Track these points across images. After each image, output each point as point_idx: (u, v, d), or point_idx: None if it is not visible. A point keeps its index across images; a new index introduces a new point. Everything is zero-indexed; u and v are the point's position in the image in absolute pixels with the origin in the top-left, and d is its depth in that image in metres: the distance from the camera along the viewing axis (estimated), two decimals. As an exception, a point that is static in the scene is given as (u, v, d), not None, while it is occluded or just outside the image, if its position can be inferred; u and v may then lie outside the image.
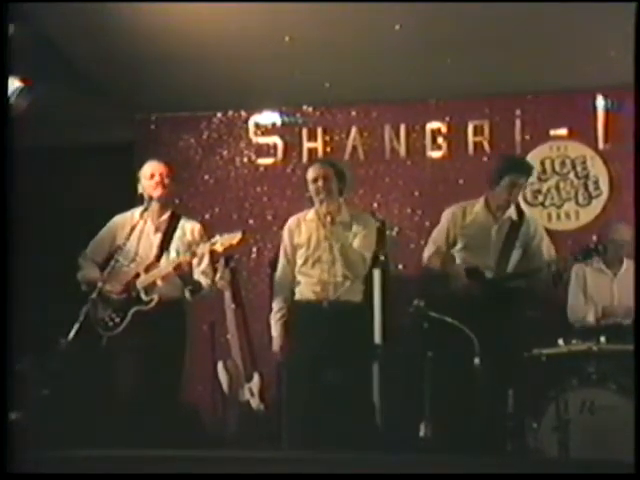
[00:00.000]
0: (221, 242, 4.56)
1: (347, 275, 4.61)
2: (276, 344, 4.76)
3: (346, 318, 4.59)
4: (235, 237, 4.57)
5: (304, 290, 4.70)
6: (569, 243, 5.48)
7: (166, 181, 4.81)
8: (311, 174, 4.71)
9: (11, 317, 3.72)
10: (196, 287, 4.75)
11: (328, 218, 4.60)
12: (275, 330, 4.76)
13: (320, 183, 4.65)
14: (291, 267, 4.73)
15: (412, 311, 4.61)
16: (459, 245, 5.05)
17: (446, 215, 5.17)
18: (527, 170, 5.13)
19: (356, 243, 4.65)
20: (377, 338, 4.84)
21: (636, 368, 3.76)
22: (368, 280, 4.72)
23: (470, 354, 4.42)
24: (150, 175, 4.80)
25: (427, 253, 5.14)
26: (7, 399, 3.50)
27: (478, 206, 5.07)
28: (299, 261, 4.71)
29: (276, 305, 4.77)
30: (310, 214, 4.74)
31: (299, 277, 4.72)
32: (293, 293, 4.74)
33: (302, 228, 4.74)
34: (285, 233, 4.80)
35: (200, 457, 3.88)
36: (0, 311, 3.53)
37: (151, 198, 4.81)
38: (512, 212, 5.05)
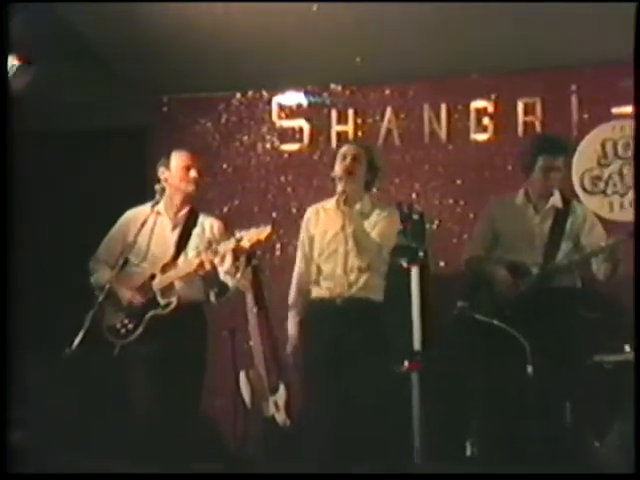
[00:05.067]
0: (248, 238, 4.46)
1: (361, 267, 4.57)
2: (289, 346, 4.73)
3: (362, 317, 4.53)
4: (263, 232, 4.47)
5: (318, 286, 4.66)
6: (635, 236, 5.43)
7: (200, 177, 4.79)
8: (341, 151, 4.70)
9: (13, 319, 3.83)
10: (222, 289, 4.71)
11: (343, 197, 4.57)
12: (290, 330, 4.72)
13: (347, 162, 4.62)
14: (307, 261, 4.72)
15: (455, 313, 4.59)
16: (501, 243, 5.00)
17: (483, 213, 5.16)
18: (562, 149, 5.00)
19: (374, 232, 4.61)
20: (416, 343, 5.02)
21: (636, 368, 3.77)
22: (389, 276, 4.70)
23: (522, 362, 4.38)
24: (185, 167, 4.76)
25: (466, 256, 5.11)
26: (7, 399, 3.59)
27: (517, 198, 5.01)
28: (315, 253, 4.69)
29: (291, 302, 4.74)
30: (330, 202, 4.69)
31: (315, 271, 4.68)
32: (309, 290, 4.71)
33: (320, 218, 4.72)
34: (303, 224, 4.79)
35: (220, 474, 4.07)
36: (1, 310, 3.66)
37: (164, 191, 4.76)
38: (556, 200, 4.96)
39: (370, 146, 4.95)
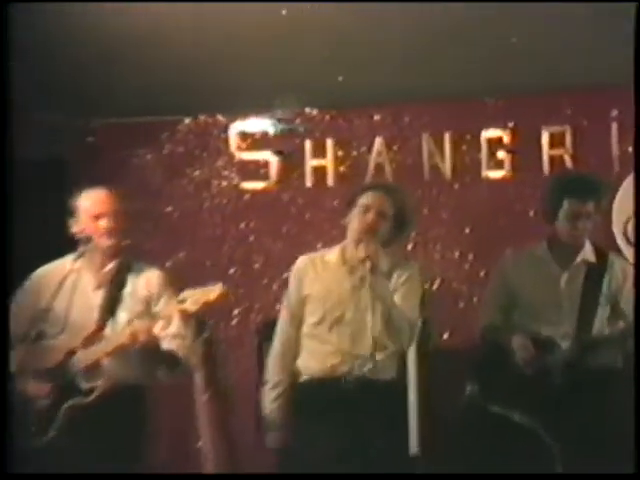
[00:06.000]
0: (193, 299, 4.19)
1: (387, 345, 4.35)
2: (270, 438, 4.38)
3: (376, 402, 4.27)
4: (213, 291, 4.21)
5: (314, 361, 4.40)
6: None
7: (121, 223, 4.48)
8: (362, 201, 4.45)
9: None
10: (171, 362, 4.43)
11: (368, 264, 4.29)
12: (269, 415, 4.40)
13: (371, 216, 4.36)
14: (295, 325, 4.47)
15: (464, 402, 4.45)
16: (520, 308, 4.77)
17: (497, 269, 4.94)
18: (593, 191, 4.72)
19: (399, 301, 4.40)
20: (413, 446, 4.88)
21: (636, 368, 3.85)
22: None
23: (549, 469, 4.17)
24: (96, 214, 4.46)
25: (482, 323, 4.86)
26: (7, 399, 3.75)
27: (538, 250, 4.79)
28: (310, 319, 4.43)
29: (271, 379, 4.41)
30: (332, 254, 4.46)
31: (308, 341, 4.43)
32: (299, 366, 4.48)
33: (318, 273, 4.49)
34: (292, 277, 4.54)
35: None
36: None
37: (89, 241, 4.41)
38: (587, 253, 4.69)
39: (407, 199, 4.58)
